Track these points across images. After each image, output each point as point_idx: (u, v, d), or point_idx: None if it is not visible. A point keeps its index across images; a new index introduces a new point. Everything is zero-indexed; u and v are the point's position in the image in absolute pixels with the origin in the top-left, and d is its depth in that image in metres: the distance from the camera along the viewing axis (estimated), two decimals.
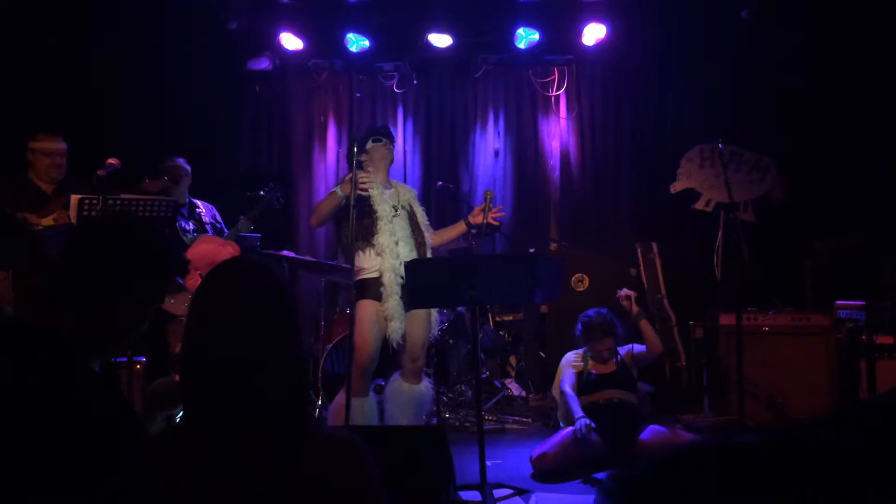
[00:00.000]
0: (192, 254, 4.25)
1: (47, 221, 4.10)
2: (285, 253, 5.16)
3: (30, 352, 1.49)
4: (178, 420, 2.18)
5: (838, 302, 4.87)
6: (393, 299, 3.91)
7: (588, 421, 3.89)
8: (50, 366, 1.48)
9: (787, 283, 5.44)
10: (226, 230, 4.95)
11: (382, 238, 3.95)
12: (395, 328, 3.91)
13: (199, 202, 4.99)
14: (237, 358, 1.30)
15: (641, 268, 5.83)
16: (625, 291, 4.47)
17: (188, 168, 4.91)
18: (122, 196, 3.79)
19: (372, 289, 3.94)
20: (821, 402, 4.63)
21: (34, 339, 1.52)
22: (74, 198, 3.83)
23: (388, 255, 3.93)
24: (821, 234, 5.16)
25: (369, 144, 4.14)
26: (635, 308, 4.39)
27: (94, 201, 3.65)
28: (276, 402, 1.30)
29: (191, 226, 4.82)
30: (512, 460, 4.24)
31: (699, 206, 6.01)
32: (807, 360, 4.80)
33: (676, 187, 6.07)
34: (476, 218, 4.13)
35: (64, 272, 1.61)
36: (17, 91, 5.47)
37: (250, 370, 1.29)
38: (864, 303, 4.48)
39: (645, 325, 4.37)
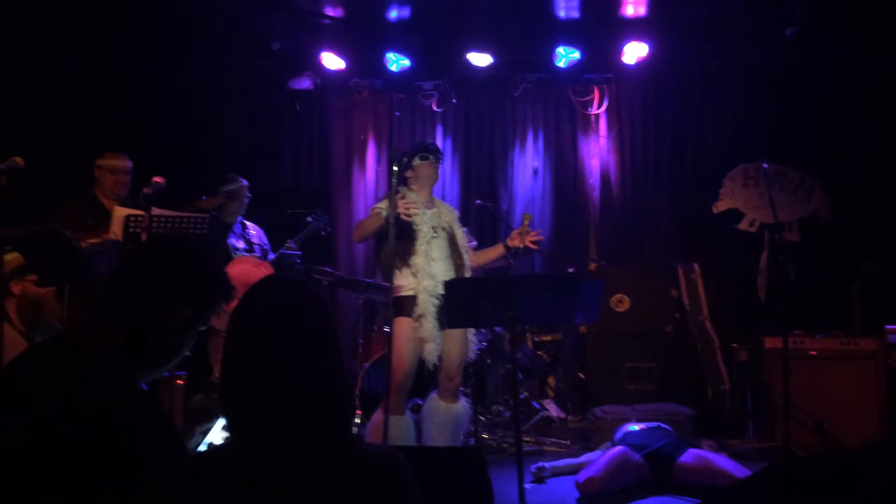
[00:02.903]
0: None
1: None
2: (325, 269, 5.22)
3: (76, 368, 1.52)
4: (216, 434, 2.19)
5: (888, 326, 4.73)
6: (427, 320, 3.90)
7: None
8: (95, 382, 1.50)
9: (835, 305, 5.31)
10: (271, 253, 5.04)
11: (418, 259, 3.95)
12: (431, 349, 3.90)
13: (249, 224, 5.09)
14: (277, 377, 1.29)
15: (683, 289, 5.74)
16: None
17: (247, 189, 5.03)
18: (165, 213, 3.85)
19: (408, 306, 3.94)
20: (870, 429, 4.50)
21: (81, 356, 1.54)
22: (119, 214, 3.92)
23: (422, 275, 3.93)
24: (869, 255, 5.04)
25: (416, 161, 4.12)
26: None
27: (140, 218, 3.72)
28: (317, 419, 1.30)
29: (241, 244, 4.92)
30: (550, 483, 4.19)
31: (743, 226, 5.92)
32: (855, 386, 4.68)
33: (719, 207, 5.99)
34: (514, 241, 4.10)
35: (115, 290, 1.64)
36: (80, 111, 5.65)
37: (290, 389, 1.29)
38: None
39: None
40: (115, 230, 3.92)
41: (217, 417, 2.27)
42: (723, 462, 3.89)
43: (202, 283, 1.68)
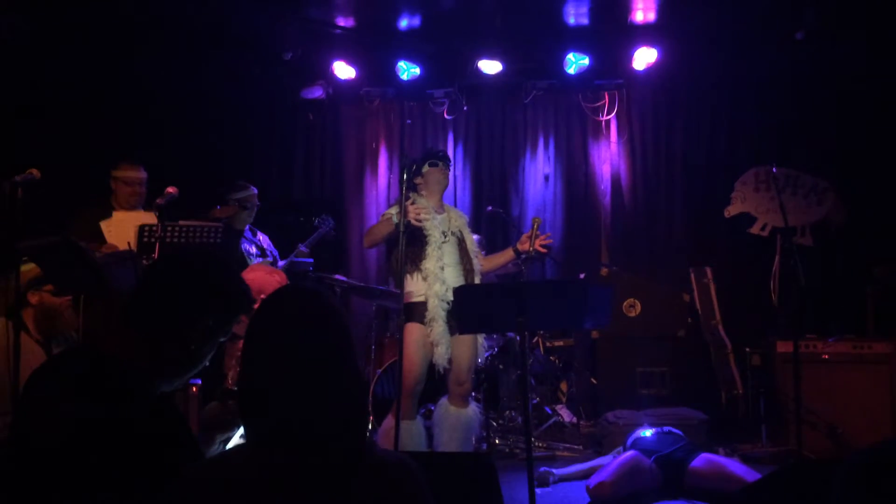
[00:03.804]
0: None
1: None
2: (337, 277, 5.26)
3: (100, 376, 1.55)
4: (235, 442, 2.23)
5: None
6: (438, 325, 3.93)
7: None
8: (115, 390, 1.54)
9: (848, 309, 5.29)
10: (279, 259, 5.09)
11: (429, 264, 3.98)
12: (441, 353, 3.92)
13: (258, 231, 5.14)
14: (293, 387, 1.32)
15: (695, 293, 5.74)
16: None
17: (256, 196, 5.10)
18: (179, 223, 3.90)
19: (419, 312, 3.97)
20: (882, 432, 4.47)
21: (105, 364, 1.58)
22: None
23: (433, 280, 3.96)
24: (881, 260, 5.01)
25: (425, 168, 4.15)
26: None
27: (154, 229, 3.78)
28: (333, 428, 1.32)
29: (254, 250, 4.98)
30: (562, 488, 4.20)
31: (755, 230, 5.91)
32: (868, 390, 4.66)
33: (731, 211, 5.99)
34: (524, 245, 4.11)
35: (142, 299, 1.68)
36: (96, 122, 5.73)
37: (308, 397, 1.32)
38: None
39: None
40: (132, 242, 3.94)
41: (236, 426, 2.31)
42: (735, 467, 3.88)
43: (227, 294, 1.72)
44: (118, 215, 4.39)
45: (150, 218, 4.03)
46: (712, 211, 6.10)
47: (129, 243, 3.79)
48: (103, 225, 4.32)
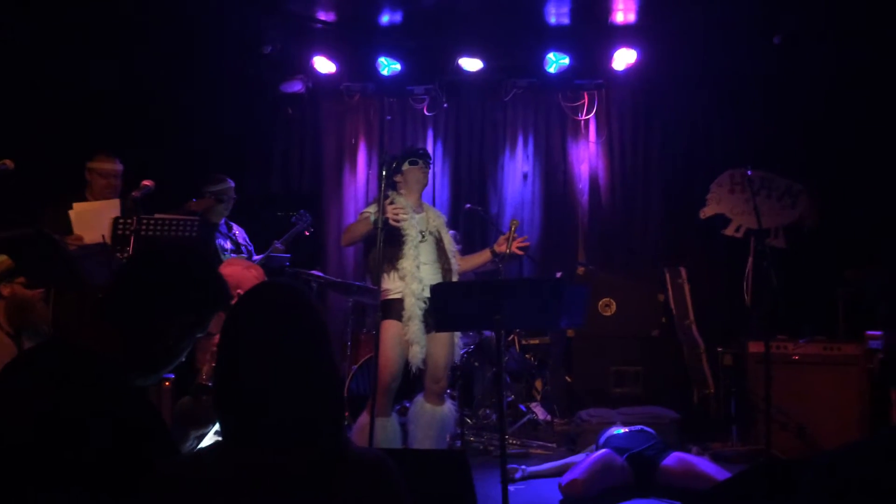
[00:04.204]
0: None
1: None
2: (314, 273, 5.25)
3: (76, 370, 1.54)
4: (210, 438, 2.22)
5: (869, 332, 4.79)
6: (414, 323, 3.94)
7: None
8: (89, 384, 1.53)
9: (819, 311, 5.36)
10: (255, 254, 5.06)
11: (407, 262, 3.98)
12: (416, 352, 3.93)
13: (233, 224, 5.11)
14: (271, 384, 1.32)
15: (670, 293, 5.79)
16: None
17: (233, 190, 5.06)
18: (155, 216, 3.88)
19: (396, 309, 3.98)
20: (851, 433, 4.54)
21: (81, 358, 1.57)
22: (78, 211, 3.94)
23: (410, 279, 3.96)
24: (853, 263, 5.09)
25: (405, 166, 4.15)
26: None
27: (129, 222, 3.75)
28: (309, 425, 1.32)
29: (228, 245, 4.94)
30: (535, 486, 4.23)
31: (729, 231, 5.98)
32: (837, 391, 4.73)
33: (706, 213, 6.04)
34: (501, 247, 4.12)
35: (120, 293, 1.67)
36: (70, 114, 5.66)
37: (284, 393, 1.32)
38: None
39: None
40: (106, 235, 3.90)
41: (210, 422, 2.30)
42: (705, 465, 3.94)
43: (205, 290, 1.72)
44: (80, 205, 4.27)
45: (114, 207, 3.97)
46: (688, 212, 6.15)
47: (103, 236, 3.76)
48: (71, 214, 4.21)
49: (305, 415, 1.32)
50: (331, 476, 1.30)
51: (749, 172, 4.55)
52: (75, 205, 4.23)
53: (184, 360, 1.78)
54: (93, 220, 3.98)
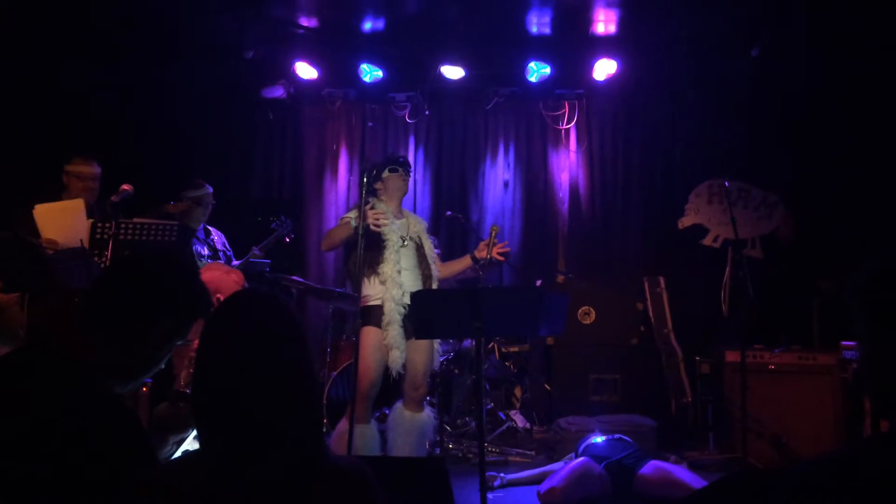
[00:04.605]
0: None
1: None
2: (294, 278, 5.22)
3: (47, 377, 1.52)
4: (189, 444, 2.20)
5: (844, 342, 4.85)
6: (393, 329, 3.94)
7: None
8: (66, 391, 1.51)
9: (795, 321, 5.43)
10: (234, 259, 5.04)
11: (387, 268, 3.99)
12: (396, 357, 3.93)
13: (212, 229, 5.08)
14: (249, 392, 1.31)
15: (648, 302, 5.84)
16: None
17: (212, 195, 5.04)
18: (134, 220, 3.85)
19: (375, 316, 3.98)
20: (826, 442, 4.60)
21: (57, 365, 1.55)
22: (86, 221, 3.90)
23: (391, 284, 3.96)
24: (828, 273, 5.15)
25: (385, 173, 4.16)
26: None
27: (107, 226, 3.71)
28: (288, 434, 1.32)
29: (206, 251, 4.91)
30: (513, 494, 4.23)
31: (707, 241, 6.03)
32: (812, 400, 4.78)
33: (684, 223, 6.10)
34: (481, 252, 4.15)
35: (98, 300, 1.65)
36: (48, 117, 5.59)
37: (262, 402, 1.31)
38: None
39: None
40: (84, 239, 3.85)
41: (189, 428, 2.28)
42: (682, 474, 3.97)
43: (186, 297, 1.70)
44: (42, 206, 4.10)
45: (78, 207, 3.91)
46: (667, 221, 6.20)
47: (81, 241, 3.72)
48: (35, 215, 4.04)
49: (283, 423, 1.32)
50: (309, 484, 1.29)
51: (727, 183, 4.60)
52: (37, 206, 4.09)
53: (162, 366, 1.77)
54: (58, 220, 3.91)
